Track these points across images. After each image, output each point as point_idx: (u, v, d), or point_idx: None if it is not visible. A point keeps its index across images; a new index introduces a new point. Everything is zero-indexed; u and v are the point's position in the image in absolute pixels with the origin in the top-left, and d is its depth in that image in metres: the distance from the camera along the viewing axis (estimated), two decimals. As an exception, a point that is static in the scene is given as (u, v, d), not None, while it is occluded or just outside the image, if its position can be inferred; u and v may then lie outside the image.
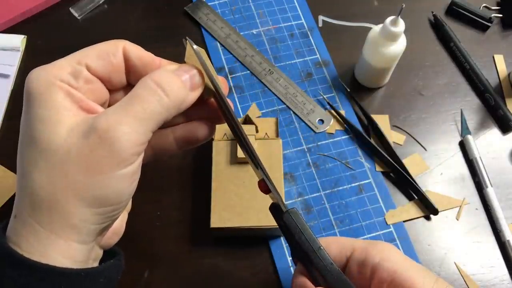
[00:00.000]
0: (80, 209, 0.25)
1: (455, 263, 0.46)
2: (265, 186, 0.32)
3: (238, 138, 0.31)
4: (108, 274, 0.28)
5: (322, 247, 0.32)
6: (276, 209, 0.33)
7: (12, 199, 0.46)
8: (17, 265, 0.24)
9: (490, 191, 0.48)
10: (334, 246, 0.34)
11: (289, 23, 0.58)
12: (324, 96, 0.53)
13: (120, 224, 0.33)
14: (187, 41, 0.29)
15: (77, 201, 0.25)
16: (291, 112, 0.52)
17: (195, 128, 0.32)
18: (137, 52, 0.29)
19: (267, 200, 0.33)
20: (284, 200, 0.44)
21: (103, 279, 0.27)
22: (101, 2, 0.58)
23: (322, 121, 0.52)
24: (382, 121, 0.52)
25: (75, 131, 0.25)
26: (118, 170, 0.25)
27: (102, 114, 0.25)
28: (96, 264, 0.30)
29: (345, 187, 0.49)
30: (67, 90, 0.26)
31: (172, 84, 0.27)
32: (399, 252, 0.33)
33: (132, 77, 0.30)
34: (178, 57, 0.57)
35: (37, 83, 0.25)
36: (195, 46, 0.29)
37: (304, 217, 0.47)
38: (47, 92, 0.25)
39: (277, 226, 0.33)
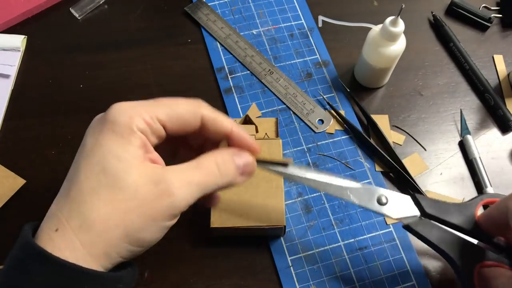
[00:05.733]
0: (121, 244, 0.28)
1: (454, 263, 0.46)
2: None
3: None
4: (126, 281, 0.30)
5: None
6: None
7: (12, 199, 0.47)
8: (47, 264, 0.26)
9: (490, 191, 0.48)
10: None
11: (289, 23, 0.58)
12: (324, 96, 0.53)
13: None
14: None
15: (123, 236, 0.27)
16: (291, 112, 0.53)
17: None
18: (214, 120, 0.32)
19: (267, 200, 0.33)
20: (284, 200, 0.44)
21: (121, 285, 0.29)
22: (101, 2, 0.58)
23: (322, 121, 0.52)
24: (382, 121, 0.52)
25: (146, 176, 0.28)
26: (166, 221, 0.29)
27: (172, 170, 0.29)
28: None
29: (345, 187, 0.49)
30: (144, 141, 0.29)
31: (228, 168, 0.32)
32: None
33: (202, 131, 0.33)
34: (177, 57, 0.56)
35: (122, 119, 0.29)
36: None
37: (304, 217, 0.47)
38: (128, 136, 0.28)
39: (277, 226, 0.33)
